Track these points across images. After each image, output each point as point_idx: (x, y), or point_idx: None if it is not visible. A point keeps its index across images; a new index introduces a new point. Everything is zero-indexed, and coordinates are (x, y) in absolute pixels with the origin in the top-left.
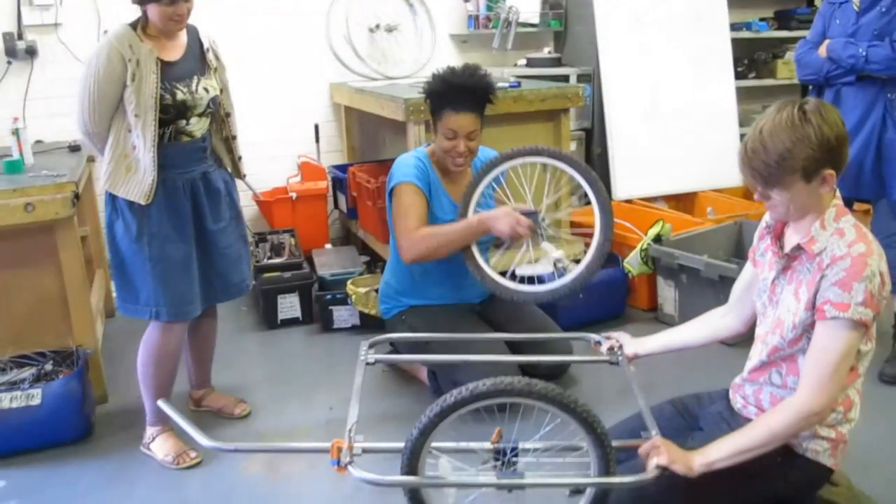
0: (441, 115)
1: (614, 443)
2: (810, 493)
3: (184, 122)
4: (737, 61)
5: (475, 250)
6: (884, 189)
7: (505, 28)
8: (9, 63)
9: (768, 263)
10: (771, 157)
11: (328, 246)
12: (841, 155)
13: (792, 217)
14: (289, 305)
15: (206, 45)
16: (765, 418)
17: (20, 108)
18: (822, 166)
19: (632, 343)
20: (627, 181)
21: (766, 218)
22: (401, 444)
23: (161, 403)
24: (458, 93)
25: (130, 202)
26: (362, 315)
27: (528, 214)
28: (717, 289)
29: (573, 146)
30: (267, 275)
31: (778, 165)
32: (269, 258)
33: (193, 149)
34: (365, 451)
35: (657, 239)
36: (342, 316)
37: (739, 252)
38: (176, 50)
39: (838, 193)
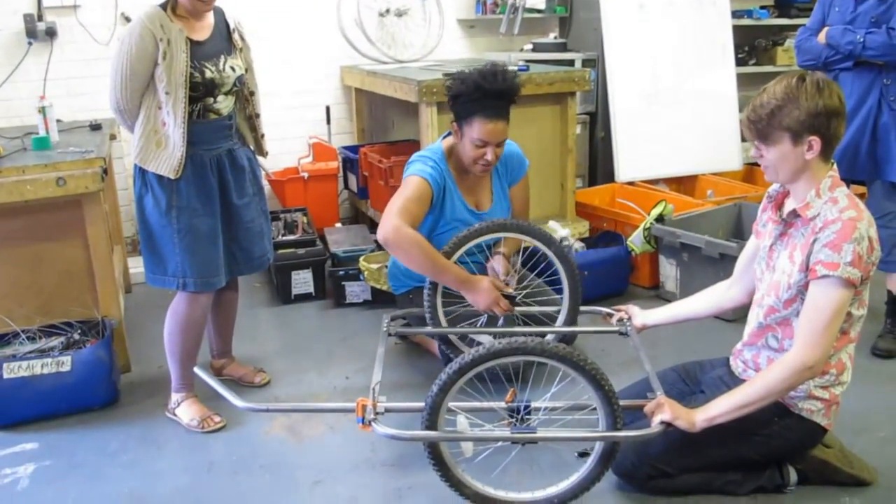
0: (471, 121)
1: (621, 402)
2: (804, 451)
3: (211, 99)
4: (737, 48)
5: (439, 295)
6: (878, 170)
7: (512, 13)
8: (29, 44)
9: (768, 232)
10: (763, 111)
11: (339, 225)
12: (829, 126)
13: (782, 178)
14: (302, 281)
15: (232, 26)
16: (761, 375)
17: (40, 88)
18: (808, 131)
19: (640, 314)
20: (630, 163)
21: (770, 190)
22: (421, 404)
23: (197, 370)
24: (492, 100)
25: (160, 176)
26: (374, 290)
27: (508, 297)
28: (717, 266)
29: (578, 129)
30: (281, 251)
31: (768, 120)
32: (283, 235)
33: (220, 126)
34: (387, 409)
35: (659, 219)
36: (354, 291)
37: (739, 233)
38: (204, 30)
39: (835, 167)
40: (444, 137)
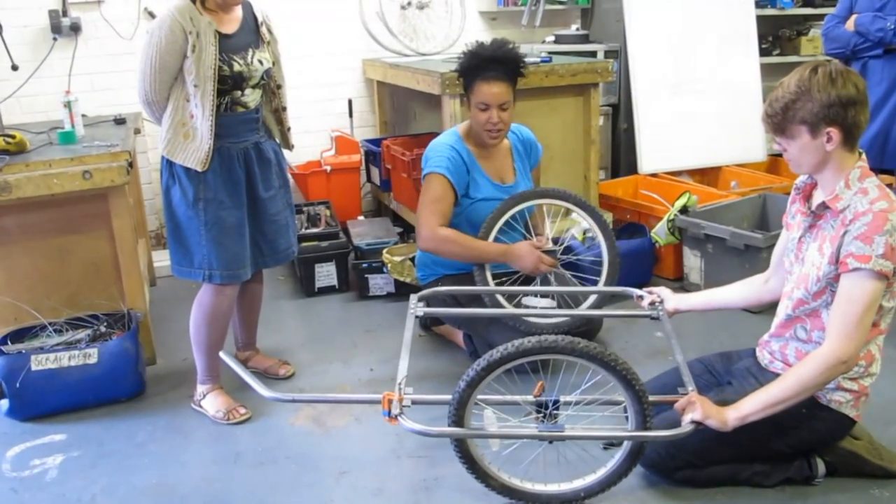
0: (473, 87)
1: (651, 398)
2: (833, 443)
3: (239, 92)
4: (761, 38)
5: (488, 271)
6: None
7: (534, 5)
8: (54, 39)
9: (797, 224)
10: (778, 106)
11: (361, 217)
12: (846, 115)
13: (806, 170)
14: (326, 274)
15: (260, 19)
16: (794, 371)
17: (65, 84)
18: (825, 122)
19: (672, 298)
20: (653, 155)
21: (797, 181)
22: (448, 397)
23: (223, 355)
24: (488, 63)
25: (187, 168)
26: (397, 282)
27: (548, 252)
28: (742, 258)
29: (601, 121)
30: (305, 244)
31: (783, 114)
32: (307, 228)
33: (247, 119)
34: (414, 402)
35: (684, 210)
36: (378, 284)
37: (764, 224)
38: (232, 23)
39: (864, 156)
40: (461, 124)
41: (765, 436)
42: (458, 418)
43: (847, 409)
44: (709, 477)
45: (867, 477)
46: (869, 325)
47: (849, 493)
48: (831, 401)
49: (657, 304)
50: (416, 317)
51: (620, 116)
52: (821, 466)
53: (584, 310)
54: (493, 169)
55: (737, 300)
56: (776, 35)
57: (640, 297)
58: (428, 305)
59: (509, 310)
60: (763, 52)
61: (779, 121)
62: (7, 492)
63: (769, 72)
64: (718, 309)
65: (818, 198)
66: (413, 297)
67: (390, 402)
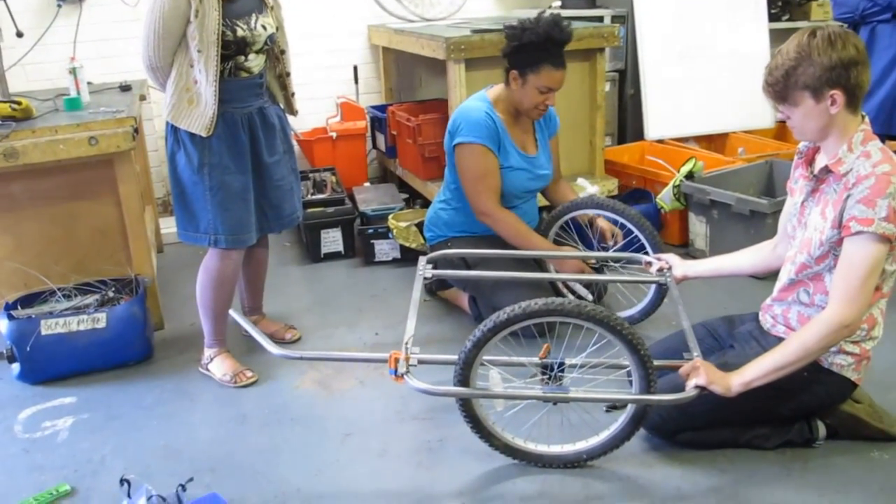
0: (539, 69)
1: (656, 362)
2: (833, 405)
3: (243, 58)
4: (770, 3)
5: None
6: None
7: None
8: (59, 6)
9: (800, 188)
10: (779, 73)
11: (367, 184)
12: (848, 76)
13: (811, 136)
14: (332, 239)
15: None
16: (797, 335)
17: (70, 51)
18: (827, 85)
19: (681, 265)
20: (660, 121)
21: (800, 146)
22: (454, 357)
23: (233, 313)
24: (559, 48)
25: (192, 134)
26: (402, 248)
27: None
28: (747, 224)
29: (607, 87)
30: (310, 210)
31: (784, 81)
32: (312, 195)
33: (251, 84)
34: (421, 362)
35: (689, 176)
36: (384, 249)
37: (770, 190)
38: None
39: (867, 120)
40: (490, 88)
41: (766, 399)
42: (463, 378)
43: (849, 373)
44: (710, 439)
45: (867, 440)
46: (872, 288)
47: (849, 456)
48: (833, 364)
49: (665, 270)
50: (425, 278)
51: (627, 82)
52: (821, 429)
53: (594, 276)
54: (519, 139)
55: (745, 267)
56: (786, 0)
57: (649, 264)
58: (436, 268)
59: (524, 274)
60: (772, 18)
61: (780, 88)
62: (19, 452)
63: (778, 37)
64: (727, 275)
65: (821, 162)
66: (422, 259)
67: (397, 360)
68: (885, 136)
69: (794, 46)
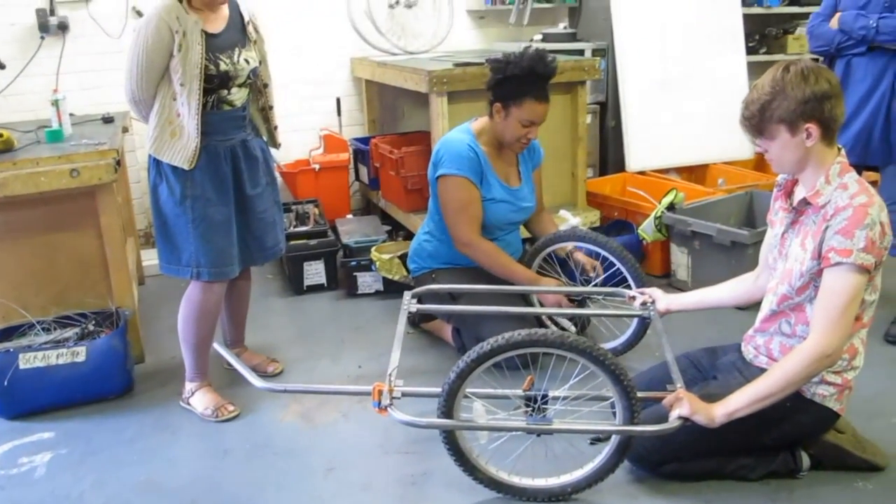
0: (522, 103)
1: (640, 394)
2: (817, 436)
3: (225, 91)
4: (748, 36)
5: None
6: (892, 155)
7: (522, 3)
8: (42, 38)
9: (780, 220)
10: (755, 107)
11: (350, 216)
12: (822, 110)
13: (788, 169)
14: (315, 272)
15: (246, 18)
16: (779, 365)
17: (53, 82)
18: (802, 118)
19: (664, 298)
20: (641, 153)
21: (778, 178)
22: (438, 389)
23: (217, 346)
24: (542, 82)
25: (174, 167)
26: (385, 280)
27: (571, 299)
28: (728, 254)
29: (588, 119)
30: (293, 242)
31: (760, 115)
32: (295, 227)
33: (234, 117)
34: (404, 394)
35: (670, 207)
36: (366, 281)
37: (751, 221)
38: (219, 22)
39: (843, 152)
40: (473, 121)
41: (749, 429)
42: (447, 409)
43: (831, 403)
44: (694, 470)
45: (851, 470)
46: (852, 318)
47: (833, 486)
48: (815, 394)
49: (649, 304)
50: (409, 313)
51: (608, 114)
52: (805, 460)
53: (578, 310)
54: (502, 171)
55: (728, 299)
56: (763, 33)
57: (632, 298)
58: (420, 303)
59: (509, 308)
60: (750, 51)
61: (757, 122)
62: None
63: (756, 70)
64: (710, 308)
65: (799, 194)
66: (407, 294)
67: (380, 392)
68: (861, 167)
69: (769, 81)
